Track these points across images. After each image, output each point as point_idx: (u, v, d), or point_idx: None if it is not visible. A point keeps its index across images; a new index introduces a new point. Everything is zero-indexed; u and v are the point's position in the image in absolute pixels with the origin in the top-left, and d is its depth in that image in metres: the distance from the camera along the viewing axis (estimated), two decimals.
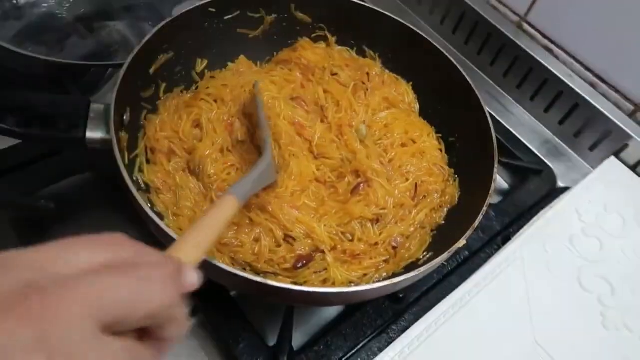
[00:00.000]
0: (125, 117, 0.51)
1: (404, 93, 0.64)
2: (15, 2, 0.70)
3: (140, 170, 0.52)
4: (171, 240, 0.42)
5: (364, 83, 0.62)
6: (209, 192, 0.51)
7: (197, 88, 0.61)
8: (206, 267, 0.42)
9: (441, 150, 0.62)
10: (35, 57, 0.63)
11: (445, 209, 0.58)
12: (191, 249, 0.32)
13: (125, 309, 0.23)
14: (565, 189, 0.69)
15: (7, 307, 0.21)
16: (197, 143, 0.53)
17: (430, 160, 0.59)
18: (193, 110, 0.56)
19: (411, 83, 0.66)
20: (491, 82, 0.83)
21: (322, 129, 0.57)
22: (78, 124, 0.47)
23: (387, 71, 0.66)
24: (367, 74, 0.63)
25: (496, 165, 0.54)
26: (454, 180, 0.60)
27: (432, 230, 0.56)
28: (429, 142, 0.60)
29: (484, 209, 0.48)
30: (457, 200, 0.58)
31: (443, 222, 0.57)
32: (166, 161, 0.53)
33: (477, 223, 0.48)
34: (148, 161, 0.53)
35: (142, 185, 0.52)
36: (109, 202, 0.61)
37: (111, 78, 0.71)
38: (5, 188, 0.56)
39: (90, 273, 0.23)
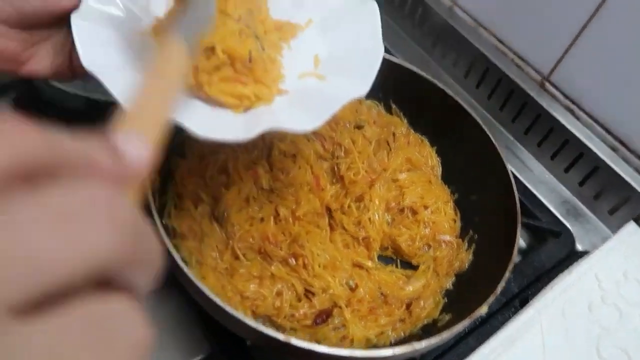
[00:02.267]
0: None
1: (428, 155, 0.65)
2: None
3: (168, 215, 0.53)
4: (195, 287, 0.43)
5: (388, 143, 0.63)
6: (230, 242, 0.52)
7: None
8: (227, 317, 0.43)
9: (455, 221, 0.62)
10: (71, 92, 0.66)
11: (454, 275, 0.58)
12: (144, 122, 0.25)
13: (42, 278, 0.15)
14: (584, 253, 0.69)
15: None
16: (223, 190, 0.54)
17: (439, 231, 0.59)
18: (219, 157, 0.57)
19: (435, 147, 0.67)
20: (512, 137, 0.84)
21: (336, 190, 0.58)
22: None
23: (412, 131, 0.68)
24: (393, 133, 0.64)
25: (519, 229, 0.54)
26: (467, 248, 0.60)
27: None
28: (444, 210, 0.61)
29: (507, 274, 0.49)
30: (466, 266, 0.59)
31: (452, 287, 0.58)
32: (193, 207, 0.53)
33: (499, 289, 0.48)
34: (175, 206, 0.54)
35: (170, 230, 0.53)
36: None
37: None
38: None
39: None
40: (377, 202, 0.57)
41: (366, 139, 0.62)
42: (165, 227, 0.52)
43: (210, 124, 0.40)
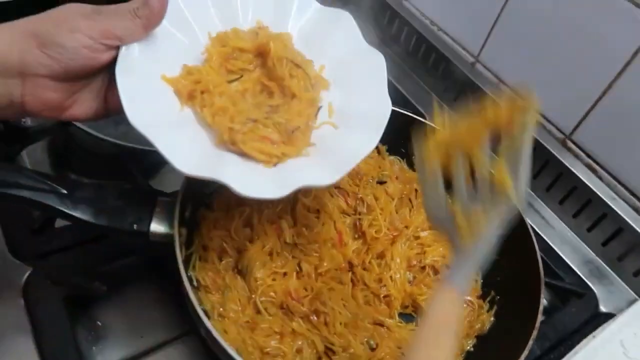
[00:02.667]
0: (186, 213, 0.54)
1: None
2: None
3: (193, 267, 0.54)
4: (215, 341, 0.43)
5: (410, 200, 0.64)
6: (253, 296, 0.52)
7: None
8: None
9: (476, 281, 0.62)
10: (103, 139, 0.68)
11: (474, 336, 0.58)
12: None
13: None
14: (608, 315, 0.68)
15: None
16: (248, 244, 0.55)
17: None
18: (245, 210, 0.58)
19: None
20: (534, 194, 0.84)
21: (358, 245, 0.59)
22: (144, 217, 0.50)
23: None
24: (415, 190, 0.65)
25: (542, 292, 0.54)
26: (489, 309, 0.59)
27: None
28: None
29: (530, 342, 0.48)
30: (487, 328, 0.58)
31: (472, 349, 0.57)
32: (217, 260, 0.54)
33: (523, 357, 0.47)
34: (200, 258, 0.55)
35: (194, 282, 0.53)
36: (155, 288, 0.63)
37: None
38: (64, 264, 0.58)
39: None
40: (398, 261, 0.57)
41: (389, 195, 0.63)
42: (190, 279, 0.53)
43: (246, 180, 0.42)
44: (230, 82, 0.49)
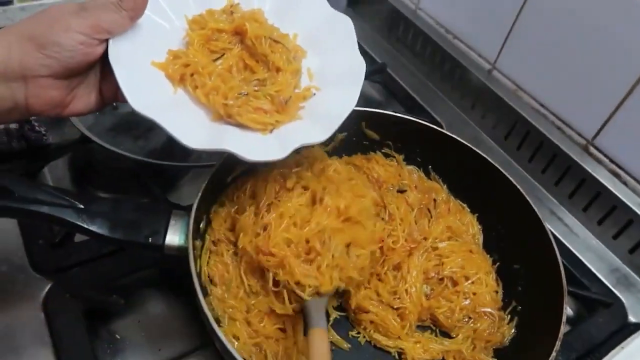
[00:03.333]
0: (201, 225, 0.54)
1: (469, 224, 0.65)
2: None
3: (207, 263, 0.55)
4: (225, 349, 0.43)
5: (429, 210, 0.63)
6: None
7: None
8: None
9: (497, 292, 0.60)
10: (122, 154, 0.69)
11: (492, 349, 0.56)
12: None
13: None
14: (637, 326, 0.65)
15: None
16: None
17: (480, 303, 0.58)
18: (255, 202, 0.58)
19: (476, 214, 0.67)
20: (556, 201, 0.82)
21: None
22: (159, 230, 0.51)
23: (452, 198, 0.67)
24: (434, 200, 0.64)
25: (565, 302, 0.52)
26: (510, 321, 0.58)
27: None
28: (485, 281, 0.59)
29: (553, 354, 0.47)
30: (507, 341, 0.56)
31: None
32: (226, 251, 0.55)
33: None
34: (210, 252, 0.56)
35: (208, 290, 0.53)
36: (172, 300, 0.63)
37: (188, 173, 0.76)
38: (83, 278, 0.59)
39: None
40: (414, 274, 0.56)
41: (409, 205, 0.62)
42: (204, 290, 0.53)
43: (249, 147, 0.47)
44: (214, 60, 0.52)
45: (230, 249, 0.56)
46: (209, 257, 0.56)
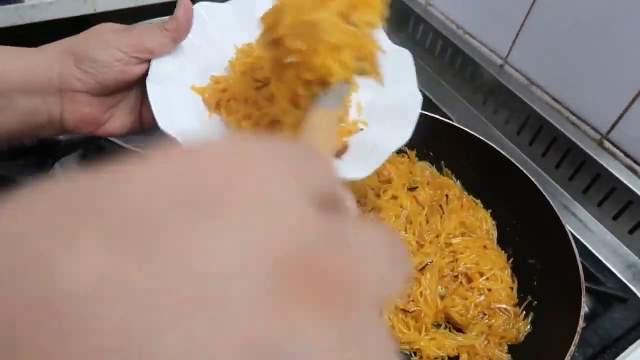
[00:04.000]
0: None
1: (482, 219, 0.64)
2: None
3: None
4: None
5: (441, 206, 0.63)
6: None
7: None
8: None
9: (512, 289, 0.60)
10: (133, 150, 0.69)
11: (506, 345, 0.55)
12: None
13: None
14: None
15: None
16: None
17: (495, 299, 0.57)
18: None
19: (490, 210, 0.66)
20: (569, 197, 0.81)
21: None
22: None
23: (466, 193, 0.67)
24: (446, 195, 0.63)
25: (584, 296, 0.51)
26: (525, 317, 0.57)
27: None
28: (500, 277, 0.59)
29: (572, 348, 0.46)
30: (522, 337, 0.56)
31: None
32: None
33: None
34: None
35: None
36: None
37: None
38: None
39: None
40: (428, 276, 0.55)
41: (419, 203, 0.62)
42: None
43: None
44: (257, 89, 0.49)
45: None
46: None
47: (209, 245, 0.12)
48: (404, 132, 0.46)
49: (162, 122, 0.43)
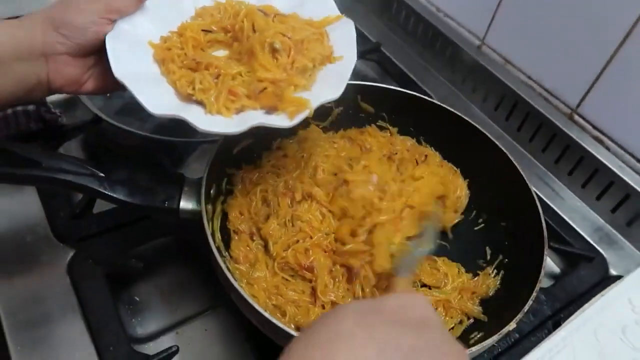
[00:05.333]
0: (212, 192, 0.59)
1: (458, 187, 0.69)
2: None
3: (229, 246, 0.59)
4: (247, 305, 0.48)
5: (416, 160, 0.69)
6: (274, 266, 0.58)
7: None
8: (273, 328, 0.47)
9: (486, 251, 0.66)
10: (133, 132, 0.74)
11: (478, 299, 0.61)
12: None
13: None
14: (617, 277, 0.70)
15: None
16: (262, 223, 0.60)
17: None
18: (259, 188, 0.63)
19: (467, 180, 0.71)
20: (543, 168, 0.86)
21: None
22: (174, 196, 0.55)
23: (446, 162, 0.72)
24: (425, 156, 0.69)
25: (546, 247, 0.57)
26: (495, 275, 0.63)
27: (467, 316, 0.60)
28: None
29: (534, 294, 0.51)
30: (491, 293, 0.61)
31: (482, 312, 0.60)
32: (250, 240, 0.59)
33: (527, 307, 0.51)
34: (232, 239, 0.60)
35: (223, 253, 0.58)
36: (187, 264, 0.68)
37: (195, 151, 0.80)
38: (103, 246, 0.64)
39: None
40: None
41: (395, 162, 0.68)
42: (219, 251, 0.58)
43: (208, 120, 0.49)
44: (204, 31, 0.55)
45: (255, 240, 0.60)
46: (231, 242, 0.60)
47: None
48: (337, 89, 0.51)
49: (117, 70, 0.49)
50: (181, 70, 0.52)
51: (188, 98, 0.51)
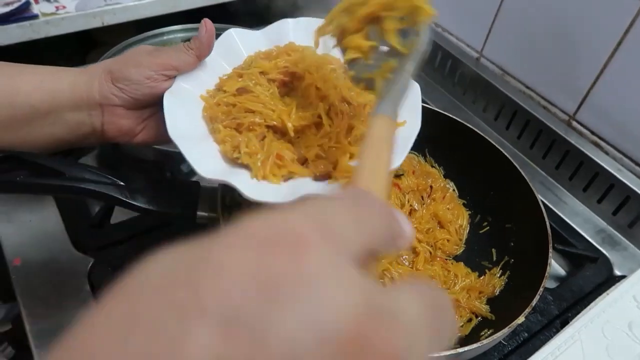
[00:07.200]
0: (227, 200, 0.61)
1: (459, 216, 0.71)
2: None
3: None
4: None
5: (422, 198, 0.70)
6: None
7: None
8: None
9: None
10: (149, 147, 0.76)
11: (485, 298, 0.63)
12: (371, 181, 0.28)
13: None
14: (622, 277, 0.72)
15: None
16: None
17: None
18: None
19: (468, 199, 0.73)
20: (544, 174, 0.89)
21: None
22: (190, 203, 0.58)
23: (449, 186, 0.75)
24: (431, 186, 0.71)
25: (551, 241, 0.59)
26: (501, 275, 0.65)
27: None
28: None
29: (541, 289, 0.53)
30: (497, 292, 0.63)
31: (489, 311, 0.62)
32: None
33: (534, 302, 0.52)
34: None
35: None
36: None
37: None
38: (121, 254, 0.66)
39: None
40: None
41: (401, 190, 0.70)
42: None
43: (256, 187, 0.46)
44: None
45: None
46: None
47: (288, 332, 0.16)
48: (396, 159, 0.45)
49: (172, 130, 0.47)
50: (226, 130, 0.50)
51: (234, 161, 0.48)
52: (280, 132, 0.50)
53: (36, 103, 0.51)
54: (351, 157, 0.47)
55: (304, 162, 0.48)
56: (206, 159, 0.47)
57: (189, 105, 0.52)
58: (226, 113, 0.51)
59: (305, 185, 0.46)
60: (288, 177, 0.47)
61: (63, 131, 0.53)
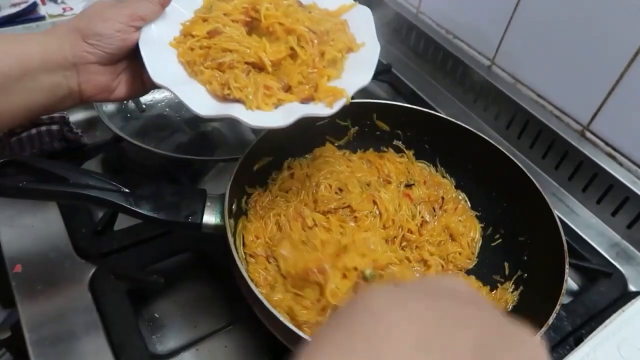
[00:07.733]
0: (233, 207, 0.60)
1: (471, 228, 0.69)
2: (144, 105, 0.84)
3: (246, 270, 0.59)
4: (273, 317, 0.48)
5: (434, 209, 0.69)
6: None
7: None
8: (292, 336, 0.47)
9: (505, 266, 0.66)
10: (152, 151, 0.75)
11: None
12: None
13: None
14: (637, 293, 0.70)
15: None
16: (273, 247, 0.60)
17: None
18: (272, 212, 0.64)
19: (480, 210, 0.72)
20: (556, 184, 0.87)
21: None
22: (197, 211, 0.56)
23: (461, 197, 0.73)
24: (442, 198, 0.70)
25: (567, 258, 0.57)
26: (514, 290, 0.63)
27: None
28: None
29: (558, 307, 0.51)
30: (509, 308, 0.61)
31: None
32: (267, 263, 0.60)
33: (551, 320, 0.50)
34: (249, 263, 0.61)
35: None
36: (206, 281, 0.68)
37: (212, 169, 0.82)
38: (124, 262, 0.64)
39: None
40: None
41: (412, 201, 0.69)
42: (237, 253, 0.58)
43: (254, 115, 0.50)
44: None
45: (271, 262, 0.60)
46: (249, 266, 0.60)
47: None
48: (365, 77, 0.53)
49: (155, 76, 0.50)
50: (209, 71, 0.53)
51: (224, 97, 0.52)
52: (257, 67, 0.54)
53: (6, 70, 0.49)
54: (328, 78, 0.52)
55: (287, 89, 0.53)
56: (196, 99, 0.50)
57: (164, 52, 0.54)
58: (203, 56, 0.53)
59: (295, 108, 0.51)
60: (277, 104, 0.52)
61: (40, 96, 0.52)
